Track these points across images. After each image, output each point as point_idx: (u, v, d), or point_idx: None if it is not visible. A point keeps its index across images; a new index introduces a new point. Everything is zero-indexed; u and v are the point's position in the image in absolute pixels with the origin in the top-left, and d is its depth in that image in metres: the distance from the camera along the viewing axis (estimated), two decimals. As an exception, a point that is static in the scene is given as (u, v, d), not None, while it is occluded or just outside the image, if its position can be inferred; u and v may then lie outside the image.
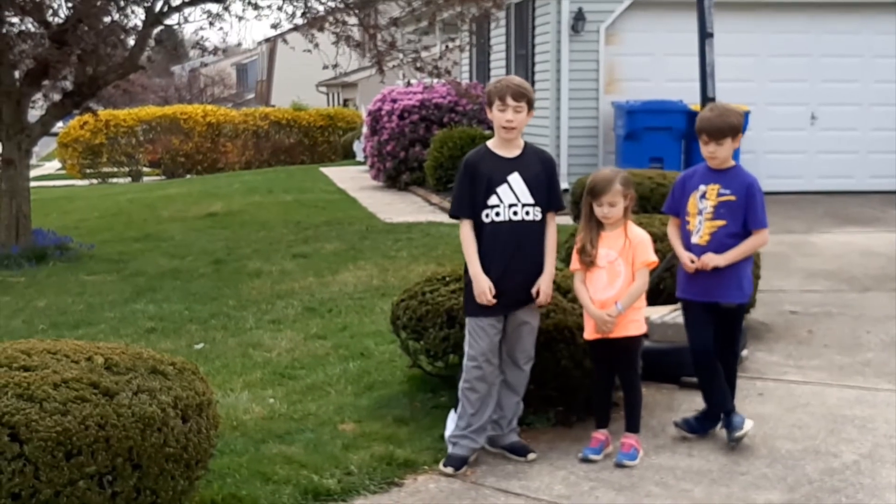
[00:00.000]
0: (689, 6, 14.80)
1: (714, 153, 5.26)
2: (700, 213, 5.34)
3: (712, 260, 5.27)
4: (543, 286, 5.17)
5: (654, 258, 5.30)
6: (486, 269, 5.11)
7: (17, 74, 11.65)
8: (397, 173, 17.96)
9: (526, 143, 5.29)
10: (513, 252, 5.14)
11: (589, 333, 5.37)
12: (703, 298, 5.39)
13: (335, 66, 12.18)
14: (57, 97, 11.78)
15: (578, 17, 14.72)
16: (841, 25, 15.39)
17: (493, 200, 5.11)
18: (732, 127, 5.26)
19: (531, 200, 5.14)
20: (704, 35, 7.05)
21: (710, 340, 5.43)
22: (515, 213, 5.13)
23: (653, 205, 10.21)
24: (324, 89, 46.56)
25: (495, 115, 5.15)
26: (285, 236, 12.59)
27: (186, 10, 11.66)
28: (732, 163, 5.37)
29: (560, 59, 14.77)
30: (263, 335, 7.72)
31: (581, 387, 5.74)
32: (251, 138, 32.14)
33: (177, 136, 31.64)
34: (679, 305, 6.93)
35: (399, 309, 6.12)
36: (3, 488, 3.88)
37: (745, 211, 5.27)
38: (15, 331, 8.08)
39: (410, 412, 5.92)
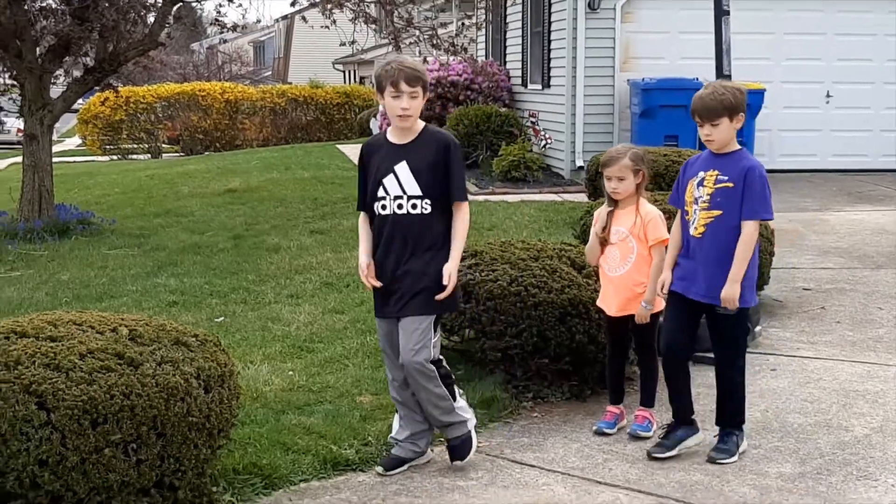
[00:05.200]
0: (705, -16, 14.80)
1: (709, 135, 4.78)
2: (696, 201, 4.85)
3: (733, 296, 4.76)
4: (447, 271, 4.62)
5: (666, 235, 5.15)
6: (378, 270, 4.74)
7: (39, 51, 11.68)
8: (414, 151, 17.96)
9: (424, 127, 4.71)
10: (399, 251, 4.65)
11: (611, 311, 5.35)
12: (696, 297, 4.91)
13: (352, 43, 12.18)
14: (78, 73, 11.84)
15: (594, -5, 14.67)
16: (854, 4, 15.31)
17: (380, 192, 4.66)
18: (728, 106, 4.73)
19: (418, 192, 4.60)
20: (721, 12, 7.03)
21: (685, 339, 5.05)
22: (400, 207, 4.62)
23: (667, 182, 10.21)
24: (340, 67, 46.45)
25: (388, 102, 4.59)
26: (303, 212, 12.63)
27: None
28: (736, 147, 4.87)
29: (576, 37, 14.72)
30: (282, 309, 7.76)
31: (595, 361, 5.78)
32: (269, 115, 32.07)
33: (195, 113, 31.61)
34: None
35: (416, 283, 6.15)
36: (30, 455, 3.96)
37: (741, 199, 4.74)
38: (39, 303, 8.16)
39: (427, 385, 5.95)
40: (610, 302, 5.33)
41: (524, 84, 17.33)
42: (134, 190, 16.42)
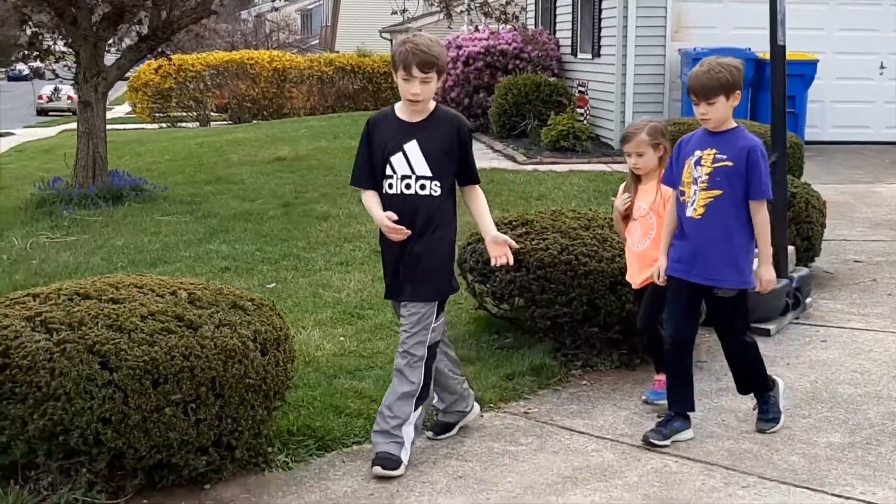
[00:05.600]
0: (759, -47, 14.62)
1: (706, 114, 4.65)
2: (695, 181, 4.69)
3: (769, 278, 4.78)
4: (497, 241, 4.57)
5: None
6: (384, 251, 4.63)
7: (93, 19, 11.81)
8: (461, 120, 17.96)
9: (437, 106, 4.53)
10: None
11: (635, 283, 5.34)
12: (697, 280, 4.78)
13: (403, 11, 12.18)
14: (132, 41, 11.97)
15: (647, -36, 14.57)
16: (913, -28, 15.10)
17: (388, 171, 4.47)
18: (724, 84, 4.60)
19: (427, 173, 4.42)
20: (776, -19, 6.93)
21: (689, 325, 4.92)
22: (408, 187, 4.44)
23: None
24: (387, 35, 46.28)
25: (399, 83, 4.41)
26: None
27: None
28: (733, 124, 4.74)
29: (627, 6, 14.64)
30: (332, 276, 7.86)
31: (645, 329, 5.81)
32: (316, 84, 32.16)
33: (244, 82, 31.77)
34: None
35: (466, 252, 6.21)
36: (94, 413, 4.08)
37: (745, 179, 4.63)
38: (95, 267, 8.32)
39: (476, 352, 6.03)
40: (634, 275, 5.33)
41: (574, 53, 17.26)
42: (184, 157, 16.59)
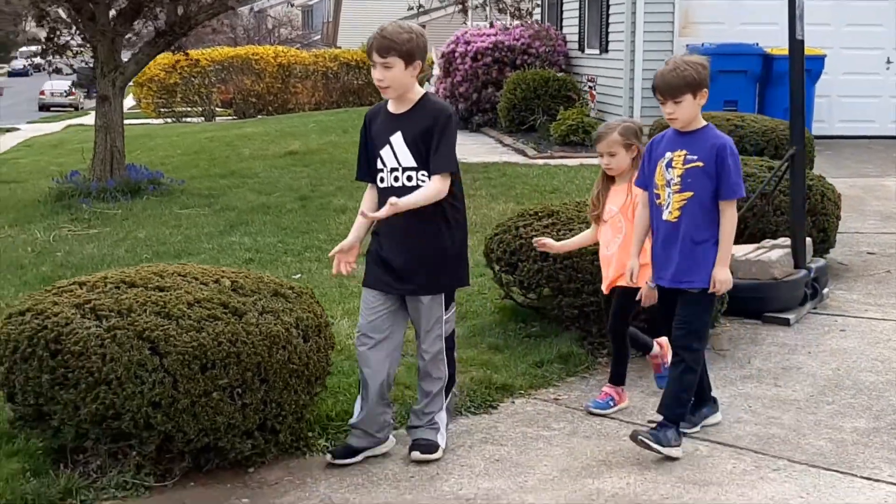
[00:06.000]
0: (768, -52, 14.74)
1: (672, 114, 4.53)
2: (668, 184, 4.57)
3: (725, 280, 4.59)
4: (397, 202, 4.31)
5: None
6: (376, 244, 4.60)
7: (111, 14, 11.90)
8: (469, 115, 18.06)
9: (423, 96, 4.47)
10: (393, 223, 4.40)
11: (603, 286, 5.21)
12: (672, 284, 4.67)
13: (419, 7, 12.27)
14: (150, 36, 12.06)
15: (655, -40, 14.68)
16: (919, -31, 15.22)
17: (378, 165, 4.46)
18: (690, 82, 4.46)
19: (412, 164, 4.38)
20: (795, -24, 7.03)
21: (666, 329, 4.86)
22: (396, 180, 4.40)
23: (730, 147, 10.28)
24: (390, 31, 46.51)
25: (372, 74, 4.41)
26: (366, 174, 12.77)
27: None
28: (702, 123, 4.60)
29: (636, 2, 14.73)
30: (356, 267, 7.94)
31: (670, 319, 5.91)
32: (321, 79, 32.24)
33: (248, 77, 31.83)
34: (763, 243, 7.12)
35: (493, 243, 6.31)
36: (144, 397, 4.18)
37: (716, 179, 4.49)
38: (120, 259, 8.42)
39: (504, 340, 6.13)
40: (603, 278, 5.20)
41: (581, 49, 17.36)
42: (195, 152, 16.68)
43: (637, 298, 4.95)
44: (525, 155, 14.31)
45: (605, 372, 5.77)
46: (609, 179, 5.13)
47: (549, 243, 5.33)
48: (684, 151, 4.56)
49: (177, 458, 4.43)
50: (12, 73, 68.22)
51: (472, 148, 15.26)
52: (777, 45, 14.69)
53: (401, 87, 4.38)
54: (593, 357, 5.92)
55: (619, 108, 15.22)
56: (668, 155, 4.59)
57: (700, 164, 4.51)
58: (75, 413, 4.22)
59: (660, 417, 4.68)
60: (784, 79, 14.41)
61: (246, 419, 4.40)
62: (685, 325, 4.63)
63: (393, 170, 4.42)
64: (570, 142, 14.62)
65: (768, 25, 14.91)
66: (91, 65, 12.07)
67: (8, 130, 29.65)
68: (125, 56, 12.38)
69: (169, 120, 30.85)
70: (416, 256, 4.48)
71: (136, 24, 12.11)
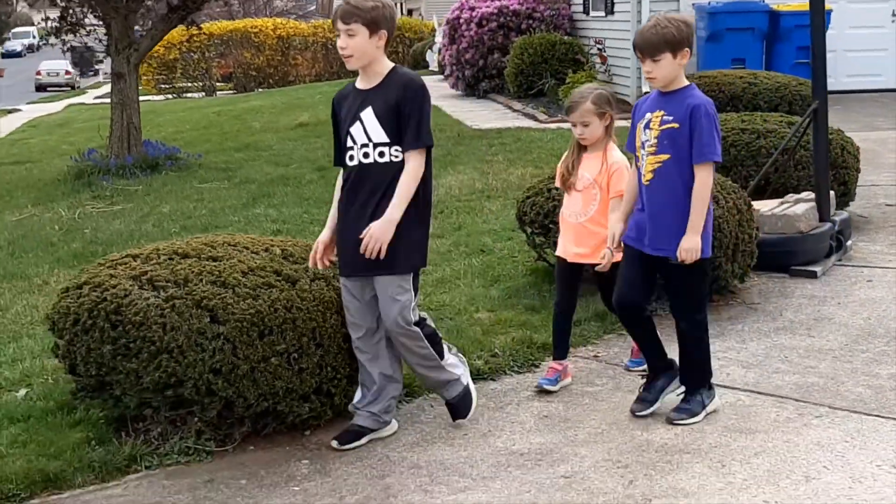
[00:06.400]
0: None
1: (650, 72, 4.34)
2: (643, 146, 4.41)
3: (692, 249, 4.32)
4: (373, 230, 4.18)
5: None
6: (341, 225, 4.42)
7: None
8: (476, 81, 18.11)
9: (393, 68, 4.31)
10: (364, 202, 4.27)
11: (568, 256, 5.02)
12: (649, 251, 4.47)
13: None
14: (162, 11, 12.08)
15: (660, -82, 14.67)
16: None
17: (348, 142, 4.30)
18: (670, 41, 4.27)
19: (384, 139, 4.22)
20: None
21: (639, 293, 4.60)
22: (366, 156, 4.25)
23: (744, 104, 10.35)
24: (386, 0, 46.35)
25: (337, 42, 4.26)
26: (379, 143, 12.84)
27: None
28: (684, 82, 4.39)
29: (641, -38, 14.75)
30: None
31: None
32: (321, 51, 32.31)
33: (248, 50, 31.91)
34: (787, 198, 7.21)
35: (525, 205, 6.41)
36: (205, 364, 4.29)
37: (689, 140, 4.29)
38: (149, 234, 8.52)
39: (539, 301, 6.23)
40: (567, 248, 5.02)
41: (586, 11, 17.36)
42: (205, 126, 16.75)
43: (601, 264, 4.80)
44: (536, 119, 14.38)
45: (641, 328, 5.89)
46: (582, 148, 4.96)
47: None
48: (662, 112, 4.35)
49: (236, 423, 4.55)
50: (6, 55, 68.12)
51: (482, 114, 15.33)
52: (782, 0, 14.78)
53: (364, 57, 4.21)
54: (629, 314, 6.01)
55: (626, 70, 15.28)
56: (648, 115, 4.40)
57: (675, 125, 4.29)
58: (137, 382, 4.33)
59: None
60: (790, 34, 14.55)
61: (303, 383, 4.50)
62: (676, 295, 4.53)
63: (363, 146, 4.25)
64: (579, 104, 14.64)
65: (774, -18, 15.02)
66: (87, 44, 12.08)
67: (10, 112, 29.70)
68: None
69: (170, 96, 30.86)
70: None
71: (147, 1, 12.13)
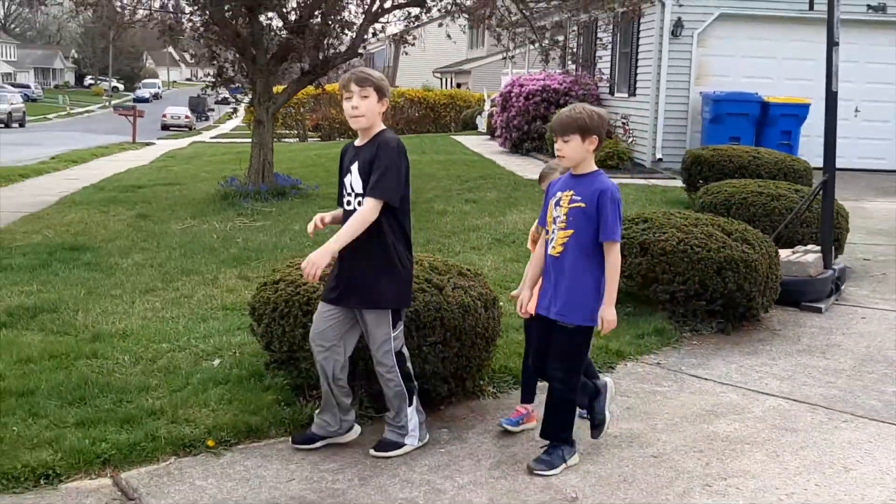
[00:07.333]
0: (764, 19, 14.86)
1: (560, 150, 3.94)
2: (554, 221, 4.00)
3: (611, 319, 3.92)
4: (311, 256, 3.81)
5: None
6: (338, 260, 4.04)
7: (267, 56, 12.07)
8: (521, 142, 18.14)
9: (380, 131, 4.00)
10: (354, 244, 3.91)
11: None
12: (543, 312, 4.03)
13: (512, 56, 12.29)
14: (297, 75, 12.22)
15: (677, 25, 14.71)
16: (881, 39, 15.19)
17: (346, 190, 4.06)
18: (581, 126, 3.87)
19: (362, 190, 3.94)
20: (832, 43, 7.10)
21: (538, 359, 4.12)
22: (349, 203, 4.02)
23: (749, 173, 10.33)
24: (438, 75, 46.57)
25: (344, 106, 3.99)
26: (452, 186, 12.86)
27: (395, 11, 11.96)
28: (593, 167, 3.96)
29: (661, 58, 14.78)
30: (472, 257, 8.06)
31: (739, 304, 6.01)
32: (390, 111, 32.44)
33: (334, 108, 32.02)
34: (796, 249, 7.18)
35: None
36: (375, 350, 4.32)
37: (595, 221, 3.86)
38: (287, 245, 8.55)
39: (607, 316, 6.23)
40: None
41: (611, 92, 17.40)
42: (309, 165, 16.81)
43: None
44: (572, 175, 14.38)
45: (689, 344, 5.88)
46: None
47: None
48: (571, 192, 3.94)
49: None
50: (136, 100, 68.89)
51: (529, 167, 15.35)
52: (771, 94, 14.76)
53: (372, 118, 3.95)
54: (679, 332, 6.01)
55: (644, 140, 15.29)
56: (559, 194, 4.01)
57: (582, 204, 3.88)
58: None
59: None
60: (777, 121, 14.55)
61: (444, 368, 4.52)
62: (557, 355, 4.03)
63: (348, 194, 4.03)
64: (607, 166, 14.60)
65: (765, 79, 14.99)
66: (236, 96, 12.22)
67: (147, 144, 30.00)
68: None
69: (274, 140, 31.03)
70: (363, 273, 3.97)
71: (284, 65, 12.26)
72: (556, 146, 3.97)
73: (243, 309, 5.70)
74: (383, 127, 4.04)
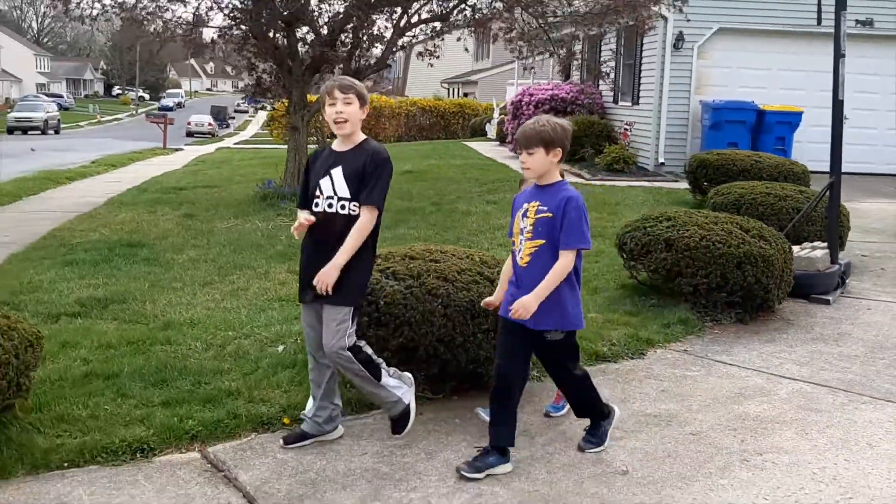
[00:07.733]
0: (760, 33, 14.91)
1: (525, 162, 3.79)
2: (521, 232, 3.82)
3: (527, 308, 3.66)
4: (321, 274, 3.78)
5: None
6: (304, 260, 3.99)
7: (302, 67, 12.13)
8: (530, 148, 18.20)
9: (365, 140, 3.95)
10: (320, 243, 3.88)
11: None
12: (528, 324, 3.77)
13: (532, 67, 12.35)
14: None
15: (679, 39, 14.75)
16: (869, 51, 15.23)
17: (316, 192, 3.90)
18: (544, 138, 3.72)
19: (347, 195, 3.84)
20: (838, 55, 7.16)
21: (516, 366, 3.87)
22: (330, 206, 3.86)
23: (751, 175, 10.38)
24: (446, 85, 46.61)
25: (327, 112, 3.88)
26: (472, 188, 12.91)
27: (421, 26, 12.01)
28: (557, 178, 3.80)
29: (664, 70, 14.82)
30: (501, 254, 8.07)
31: (756, 296, 6.07)
32: (403, 119, 32.54)
33: (350, 116, 32.18)
34: (804, 245, 7.24)
35: (625, 238, 6.48)
36: (433, 335, 4.39)
37: (560, 228, 3.70)
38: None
39: (634, 308, 6.27)
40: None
41: (615, 101, 17.44)
42: (334, 169, 16.84)
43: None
44: (582, 177, 14.43)
45: (711, 332, 5.94)
46: None
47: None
48: (537, 203, 3.78)
49: (447, 380, 4.65)
50: (161, 108, 69.00)
51: (540, 172, 15.36)
52: (766, 102, 14.81)
53: (355, 124, 3.89)
54: (702, 322, 6.06)
55: (647, 146, 15.34)
56: (525, 206, 3.83)
57: (549, 214, 3.72)
58: (386, 345, 4.44)
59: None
60: (772, 128, 14.60)
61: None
62: (552, 363, 3.99)
63: (328, 197, 3.87)
64: (613, 169, 14.72)
65: (760, 89, 15.02)
66: (272, 103, 12.23)
67: (177, 150, 30.09)
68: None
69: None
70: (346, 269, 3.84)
71: (317, 76, 12.32)
72: (520, 158, 3.84)
73: (297, 300, 5.75)
74: (364, 136, 3.95)
